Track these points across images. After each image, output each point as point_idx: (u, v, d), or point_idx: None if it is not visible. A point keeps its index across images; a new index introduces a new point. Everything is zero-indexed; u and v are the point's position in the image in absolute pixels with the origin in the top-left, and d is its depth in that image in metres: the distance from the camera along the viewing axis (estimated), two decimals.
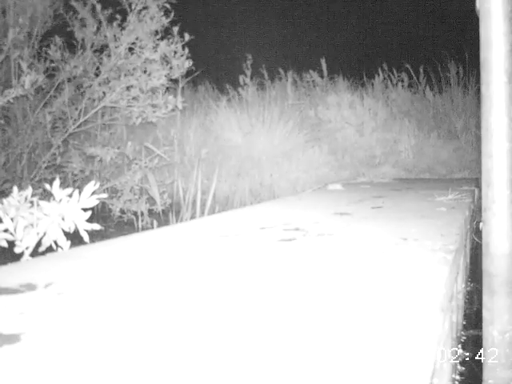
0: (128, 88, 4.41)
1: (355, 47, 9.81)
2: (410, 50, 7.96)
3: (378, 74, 6.51)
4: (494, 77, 1.40)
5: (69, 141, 4.54)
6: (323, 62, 6.54)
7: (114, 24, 4.45)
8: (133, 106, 4.47)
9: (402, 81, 6.43)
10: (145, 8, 4.44)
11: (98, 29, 4.53)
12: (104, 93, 4.42)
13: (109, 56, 4.46)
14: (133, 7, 4.41)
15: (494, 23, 1.39)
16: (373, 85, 6.54)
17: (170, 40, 4.55)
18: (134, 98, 4.45)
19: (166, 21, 4.50)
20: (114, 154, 4.42)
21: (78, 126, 4.52)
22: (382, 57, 6.74)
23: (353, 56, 9.36)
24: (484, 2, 1.41)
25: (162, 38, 4.53)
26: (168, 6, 4.50)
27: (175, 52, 4.57)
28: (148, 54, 4.37)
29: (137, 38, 4.42)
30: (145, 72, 4.44)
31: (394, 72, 6.48)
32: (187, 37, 4.58)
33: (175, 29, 4.57)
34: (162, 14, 4.49)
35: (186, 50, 4.63)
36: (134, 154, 4.71)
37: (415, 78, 6.46)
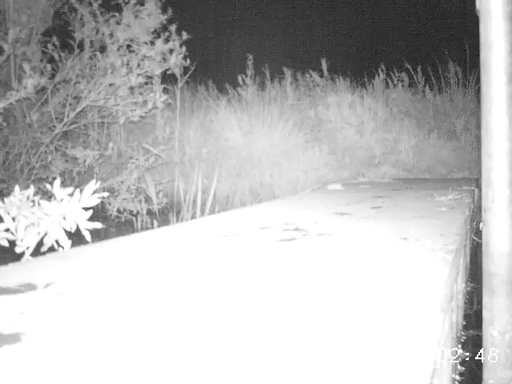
0: (111, 85, 4.40)
1: (355, 47, 9.81)
2: (410, 50, 7.96)
3: (378, 74, 6.51)
4: (493, 77, 1.40)
5: (54, 141, 4.50)
6: (323, 61, 6.54)
7: (111, 21, 4.44)
8: (117, 105, 4.46)
9: (402, 81, 6.43)
10: (141, 4, 4.44)
11: (97, 29, 4.52)
12: (89, 91, 4.40)
13: (106, 56, 4.45)
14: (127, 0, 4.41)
15: (494, 23, 1.39)
16: (373, 85, 6.53)
17: (168, 38, 4.55)
18: (119, 97, 4.43)
19: (163, 18, 4.49)
20: (94, 156, 4.39)
21: (68, 125, 4.49)
22: (382, 56, 6.74)
23: (353, 56, 9.36)
24: (484, 2, 1.41)
25: (158, 36, 4.53)
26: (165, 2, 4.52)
27: (171, 50, 4.57)
28: (145, 51, 4.37)
29: (131, 40, 4.42)
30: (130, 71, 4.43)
31: (394, 72, 6.48)
32: (185, 35, 4.58)
33: (173, 27, 4.57)
34: (160, 11, 4.49)
35: (184, 49, 4.63)
36: (130, 153, 4.71)
37: (415, 77, 6.46)
